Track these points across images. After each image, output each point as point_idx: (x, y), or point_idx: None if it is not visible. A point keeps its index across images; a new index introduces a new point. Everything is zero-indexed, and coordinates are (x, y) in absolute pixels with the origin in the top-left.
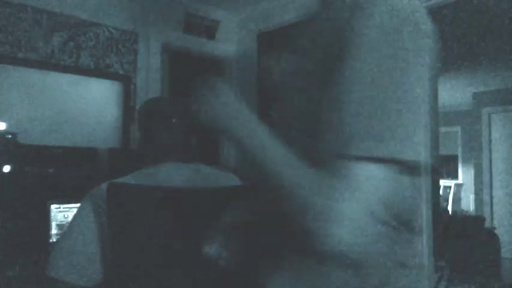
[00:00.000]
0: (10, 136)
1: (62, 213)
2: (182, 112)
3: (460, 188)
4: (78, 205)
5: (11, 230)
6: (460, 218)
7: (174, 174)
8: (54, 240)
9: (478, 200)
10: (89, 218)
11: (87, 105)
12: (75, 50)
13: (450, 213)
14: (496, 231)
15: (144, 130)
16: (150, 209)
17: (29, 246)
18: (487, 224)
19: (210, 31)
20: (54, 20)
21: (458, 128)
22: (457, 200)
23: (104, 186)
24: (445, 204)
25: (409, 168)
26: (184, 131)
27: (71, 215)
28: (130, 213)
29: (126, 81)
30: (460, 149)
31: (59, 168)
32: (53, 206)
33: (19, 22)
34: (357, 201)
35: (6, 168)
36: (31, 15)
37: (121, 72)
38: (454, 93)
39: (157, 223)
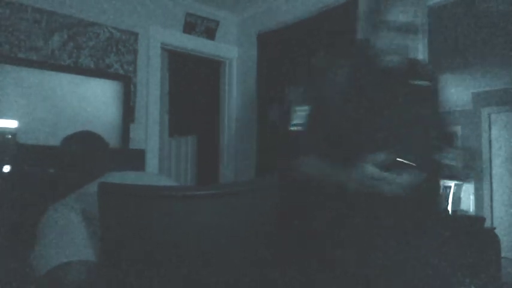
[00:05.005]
0: (10, 136)
1: None
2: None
3: (460, 188)
4: None
5: (10, 230)
6: (460, 218)
7: (135, 179)
8: None
9: (478, 200)
10: (75, 219)
11: (87, 105)
12: (75, 50)
13: (450, 213)
14: (496, 231)
15: (84, 153)
16: (150, 209)
17: (29, 246)
18: (487, 224)
19: (210, 31)
20: (54, 20)
21: (458, 128)
22: (457, 200)
23: (91, 188)
24: (445, 204)
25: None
26: (107, 147)
27: None
28: (127, 214)
29: (126, 81)
30: None
31: (59, 168)
32: None
33: (19, 22)
34: None
35: (6, 168)
36: (31, 15)
37: (121, 72)
38: (454, 93)
39: (159, 223)
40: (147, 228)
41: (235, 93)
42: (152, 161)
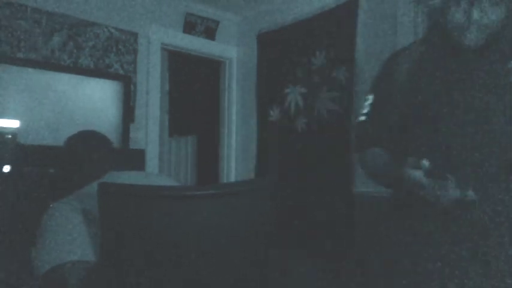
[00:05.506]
0: (10, 136)
1: None
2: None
3: None
4: None
5: (11, 230)
6: None
7: (136, 178)
8: None
9: None
10: (76, 219)
11: (87, 105)
12: (75, 50)
13: None
14: None
15: (87, 153)
16: (150, 209)
17: (29, 246)
18: None
19: (210, 31)
20: (54, 20)
21: None
22: None
23: (92, 188)
24: None
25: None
26: (111, 147)
27: None
28: (127, 214)
29: (126, 81)
30: None
31: (61, 168)
32: None
33: (19, 22)
34: None
35: (6, 168)
36: (31, 15)
37: (121, 72)
38: None
39: (160, 222)
40: (147, 228)
41: (235, 93)
42: (152, 161)
